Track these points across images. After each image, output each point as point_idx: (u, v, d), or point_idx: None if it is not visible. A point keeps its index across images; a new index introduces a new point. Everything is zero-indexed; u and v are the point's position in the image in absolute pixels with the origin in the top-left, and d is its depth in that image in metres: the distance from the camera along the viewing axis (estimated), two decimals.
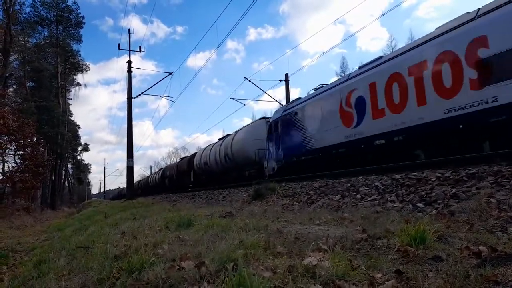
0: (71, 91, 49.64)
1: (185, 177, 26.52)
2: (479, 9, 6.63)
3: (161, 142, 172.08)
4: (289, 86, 24.04)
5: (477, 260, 2.04)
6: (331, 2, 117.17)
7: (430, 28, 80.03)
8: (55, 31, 41.53)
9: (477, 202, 3.70)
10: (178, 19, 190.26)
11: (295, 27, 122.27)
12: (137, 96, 26.02)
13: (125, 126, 24.37)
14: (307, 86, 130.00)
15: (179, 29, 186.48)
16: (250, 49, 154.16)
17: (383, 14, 30.60)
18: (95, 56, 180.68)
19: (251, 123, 18.79)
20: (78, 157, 61.57)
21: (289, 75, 24.18)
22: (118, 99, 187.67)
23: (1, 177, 21.36)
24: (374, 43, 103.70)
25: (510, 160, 4.72)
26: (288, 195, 7.69)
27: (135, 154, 24.42)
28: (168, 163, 58.99)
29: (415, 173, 5.59)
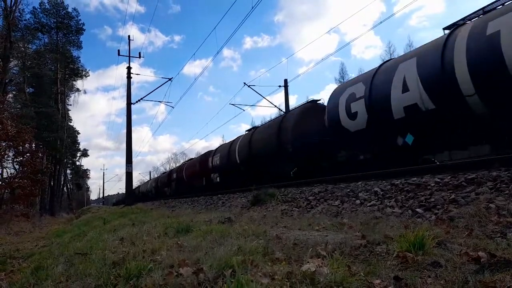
0: (70, 97, 49.74)
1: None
2: None
3: (159, 148, 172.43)
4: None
5: (476, 266, 2.03)
6: (325, 12, 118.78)
7: (422, 36, 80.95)
8: (55, 38, 41.75)
9: (476, 208, 3.70)
10: (176, 28, 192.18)
11: (290, 36, 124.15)
12: (137, 102, 26.08)
13: (124, 132, 24.64)
14: (304, 93, 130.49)
15: (177, 38, 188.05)
16: (247, 57, 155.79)
17: (381, 22, 30.77)
18: (94, 63, 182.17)
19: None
20: (77, 163, 61.57)
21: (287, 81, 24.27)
22: (116, 106, 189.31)
23: (0, 183, 21.31)
24: (368, 51, 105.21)
25: (509, 166, 4.72)
26: (287, 201, 7.67)
27: (133, 160, 24.41)
28: (167, 169, 58.10)
29: (414, 179, 5.58)
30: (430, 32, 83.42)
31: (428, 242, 2.44)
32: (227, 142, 20.36)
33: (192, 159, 26.94)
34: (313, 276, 1.99)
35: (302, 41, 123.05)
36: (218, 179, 18.47)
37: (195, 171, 22.23)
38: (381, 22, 25.69)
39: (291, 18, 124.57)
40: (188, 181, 23.56)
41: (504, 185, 4.15)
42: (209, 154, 20.70)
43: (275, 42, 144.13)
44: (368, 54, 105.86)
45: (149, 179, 54.69)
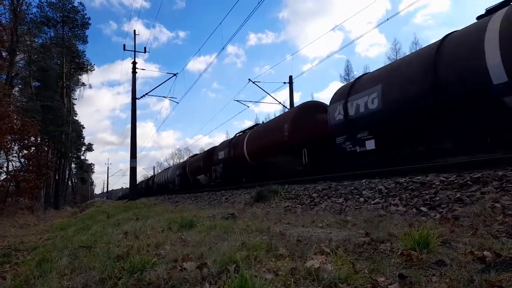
0: (76, 91, 49.98)
1: None
2: None
3: (163, 143, 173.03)
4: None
5: (481, 265, 2.02)
6: (329, 9, 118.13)
7: (427, 34, 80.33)
8: (61, 32, 41.95)
9: (482, 207, 3.67)
10: (181, 24, 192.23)
11: (295, 33, 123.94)
12: (142, 97, 26.17)
13: (128, 127, 24.67)
14: (308, 90, 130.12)
15: (181, 34, 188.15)
16: (251, 53, 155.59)
17: (388, 19, 30.40)
18: (100, 58, 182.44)
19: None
20: (82, 157, 61.93)
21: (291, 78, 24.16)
22: (121, 101, 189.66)
23: (5, 176, 21.50)
24: (373, 49, 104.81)
25: None
26: (291, 198, 7.67)
27: (138, 155, 24.09)
28: (172, 164, 55.79)
29: (419, 177, 5.55)
30: (434, 31, 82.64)
31: (433, 240, 2.43)
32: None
33: (256, 125, 16.29)
34: (317, 272, 1.99)
35: (307, 38, 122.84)
36: (371, 145, 8.53)
37: (276, 141, 12.14)
38: (388, 19, 25.51)
39: (295, 15, 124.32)
40: (257, 161, 13.98)
41: (510, 185, 4.12)
42: (316, 105, 11.90)
43: (279, 39, 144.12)
44: (373, 52, 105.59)
45: (168, 167, 41.30)
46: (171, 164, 61.42)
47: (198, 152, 31.86)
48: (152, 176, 44.25)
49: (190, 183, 23.36)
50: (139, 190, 41.26)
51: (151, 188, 37.65)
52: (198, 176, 21.55)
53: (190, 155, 30.58)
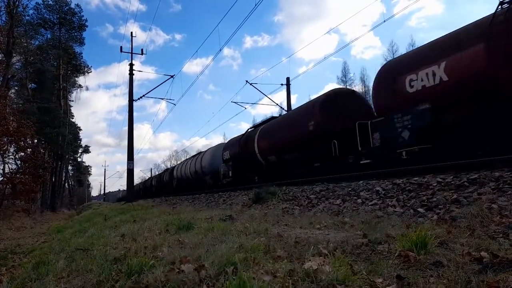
0: (72, 93, 49.77)
1: None
2: None
3: (159, 146, 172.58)
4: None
5: (479, 266, 2.03)
6: (325, 13, 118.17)
7: (421, 37, 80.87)
8: (57, 33, 41.80)
9: (479, 208, 3.68)
10: (177, 27, 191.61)
11: (291, 35, 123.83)
12: (139, 99, 26.04)
13: (125, 129, 24.51)
14: (305, 92, 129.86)
15: (178, 36, 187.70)
16: (247, 56, 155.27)
17: (384, 21, 30.55)
18: (96, 61, 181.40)
19: None
20: (79, 159, 61.69)
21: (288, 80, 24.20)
22: (118, 103, 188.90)
23: (2, 178, 21.37)
24: (368, 51, 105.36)
25: None
26: (288, 199, 7.67)
27: (135, 157, 23.86)
28: (168, 166, 54.55)
29: (416, 178, 5.57)
30: (428, 33, 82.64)
31: (430, 241, 2.43)
32: None
33: None
34: (315, 274, 1.99)
35: (302, 41, 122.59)
36: None
37: None
38: (384, 21, 25.65)
39: (291, 18, 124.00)
40: None
41: (506, 186, 4.14)
42: None
43: (275, 42, 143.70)
44: (368, 54, 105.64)
45: (199, 152, 25.28)
46: (169, 165, 59.73)
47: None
48: (168, 169, 32.31)
49: (263, 170, 13.47)
50: (147, 190, 39.57)
51: (167, 186, 26.93)
52: (286, 154, 12.04)
53: (253, 124, 16.72)
